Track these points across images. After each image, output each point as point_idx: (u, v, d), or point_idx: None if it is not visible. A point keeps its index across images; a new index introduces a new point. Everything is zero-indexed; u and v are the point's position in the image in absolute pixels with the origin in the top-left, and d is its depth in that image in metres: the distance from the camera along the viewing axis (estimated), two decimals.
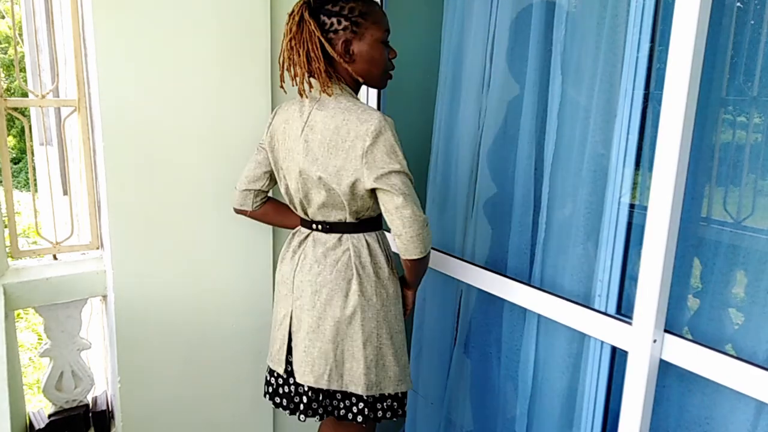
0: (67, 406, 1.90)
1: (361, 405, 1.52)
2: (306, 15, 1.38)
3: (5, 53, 12.54)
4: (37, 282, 1.74)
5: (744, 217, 1.23)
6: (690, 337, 1.27)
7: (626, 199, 1.39)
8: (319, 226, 1.50)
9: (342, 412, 1.54)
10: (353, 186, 1.39)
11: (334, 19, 1.39)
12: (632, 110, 1.35)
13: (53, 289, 1.76)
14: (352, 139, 1.35)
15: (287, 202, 1.58)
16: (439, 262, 1.86)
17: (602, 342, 1.44)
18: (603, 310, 1.42)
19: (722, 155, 1.24)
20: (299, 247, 1.54)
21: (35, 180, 4.26)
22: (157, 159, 1.74)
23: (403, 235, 1.36)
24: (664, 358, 1.26)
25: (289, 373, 1.55)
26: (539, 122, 1.60)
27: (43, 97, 1.82)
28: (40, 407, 1.95)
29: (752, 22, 1.18)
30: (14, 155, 11.26)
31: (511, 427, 1.74)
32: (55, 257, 1.88)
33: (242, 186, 1.61)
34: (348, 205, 1.43)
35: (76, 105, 1.82)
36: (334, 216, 1.47)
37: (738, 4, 1.20)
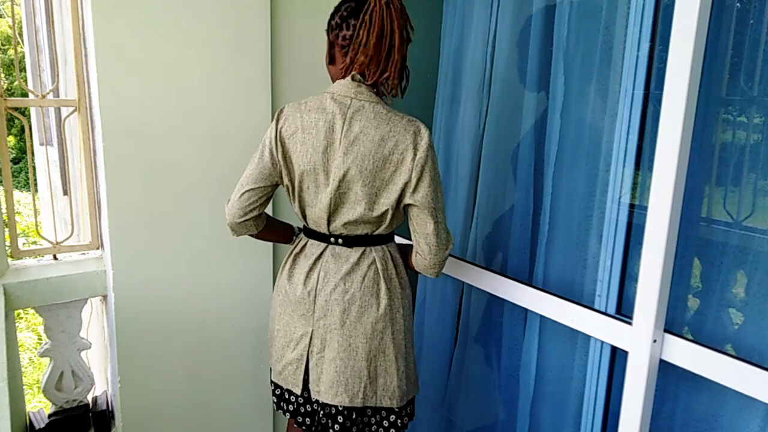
0: (67, 406, 1.90)
1: (392, 417, 1.46)
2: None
3: (5, 53, 12.54)
4: (37, 282, 1.74)
5: (744, 217, 1.23)
6: (690, 337, 1.27)
7: (626, 199, 1.39)
8: (340, 240, 1.41)
9: (374, 428, 1.47)
10: (400, 200, 1.35)
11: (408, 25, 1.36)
12: (632, 110, 1.35)
13: (53, 289, 1.76)
14: (401, 150, 1.31)
15: (300, 212, 1.45)
16: None
17: (602, 342, 1.44)
18: (603, 310, 1.42)
19: (722, 155, 1.24)
20: (315, 263, 1.42)
21: (35, 180, 4.26)
22: (157, 159, 1.74)
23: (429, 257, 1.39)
24: (664, 358, 1.26)
25: (308, 392, 1.46)
26: (540, 122, 1.60)
27: (44, 97, 1.82)
28: (40, 407, 1.95)
29: (752, 22, 1.18)
30: (14, 155, 11.27)
31: (512, 428, 1.74)
32: (55, 257, 1.88)
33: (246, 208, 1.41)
34: (391, 220, 1.38)
35: (76, 105, 1.82)
36: (362, 229, 1.39)
37: (738, 4, 1.20)
